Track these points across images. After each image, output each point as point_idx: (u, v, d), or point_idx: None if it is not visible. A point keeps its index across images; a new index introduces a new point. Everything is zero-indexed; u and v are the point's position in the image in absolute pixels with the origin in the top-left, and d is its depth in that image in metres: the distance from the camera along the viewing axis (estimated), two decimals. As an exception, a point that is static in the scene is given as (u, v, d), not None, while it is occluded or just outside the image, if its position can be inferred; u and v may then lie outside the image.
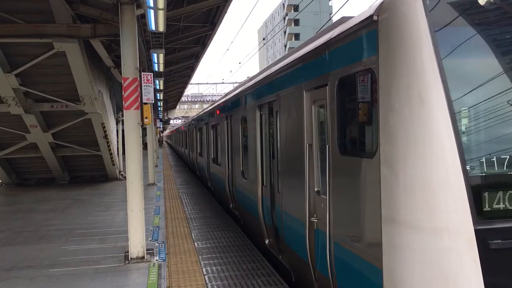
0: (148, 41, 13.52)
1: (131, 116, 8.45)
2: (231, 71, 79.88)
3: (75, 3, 11.35)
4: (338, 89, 4.78)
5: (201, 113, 21.90)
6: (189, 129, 27.57)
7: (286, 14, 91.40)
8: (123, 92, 8.37)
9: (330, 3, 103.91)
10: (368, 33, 4.12)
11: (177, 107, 76.20)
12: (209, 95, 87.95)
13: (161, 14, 8.90)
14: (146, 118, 9.46)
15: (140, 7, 8.75)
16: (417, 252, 3.58)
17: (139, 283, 7.15)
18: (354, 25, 4.36)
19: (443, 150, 3.51)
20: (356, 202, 4.37)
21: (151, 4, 8.30)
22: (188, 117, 70.58)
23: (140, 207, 8.49)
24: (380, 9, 3.95)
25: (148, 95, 9.42)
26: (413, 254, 3.61)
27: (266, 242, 8.44)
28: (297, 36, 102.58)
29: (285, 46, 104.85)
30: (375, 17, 3.95)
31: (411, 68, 3.65)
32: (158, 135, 46.52)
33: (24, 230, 11.33)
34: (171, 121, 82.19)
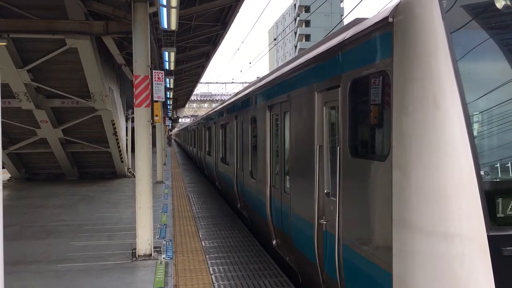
0: (160, 39, 13.55)
1: (141, 114, 8.47)
2: (241, 71, 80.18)
3: (88, 0, 11.40)
4: (350, 91, 4.74)
5: (210, 112, 21.92)
6: (198, 128, 27.62)
7: (298, 15, 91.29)
8: (134, 89, 8.39)
9: (341, 5, 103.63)
10: (382, 35, 4.08)
11: (186, 105, 76.34)
12: (218, 95, 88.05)
13: (173, 12, 8.91)
14: (157, 116, 9.48)
15: (153, 5, 8.77)
16: (428, 257, 3.54)
17: (146, 281, 7.16)
18: (369, 27, 4.32)
19: (457, 154, 3.46)
20: (367, 204, 4.33)
21: (164, 2, 8.31)
22: (197, 116, 70.72)
23: (148, 204, 8.51)
24: (395, 11, 3.91)
25: (159, 93, 9.43)
26: (424, 258, 3.57)
27: (274, 242, 8.42)
28: (307, 37, 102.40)
29: (296, 47, 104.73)
30: (390, 19, 3.91)
31: (426, 71, 3.61)
32: (167, 133, 46.65)
33: (33, 225, 11.40)
34: (180, 120, 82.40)
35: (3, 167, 21.15)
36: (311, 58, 6.04)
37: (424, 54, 3.64)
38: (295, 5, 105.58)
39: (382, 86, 4.19)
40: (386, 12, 4.11)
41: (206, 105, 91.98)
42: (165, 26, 9.80)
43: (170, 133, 74.50)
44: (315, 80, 5.87)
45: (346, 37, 4.90)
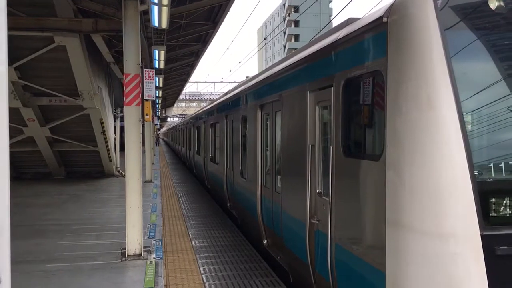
0: (150, 37, 13.47)
1: (131, 113, 8.40)
2: (230, 70, 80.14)
3: (77, -3, 11.29)
4: (343, 91, 4.75)
5: (200, 111, 21.84)
6: (187, 127, 27.52)
7: (288, 15, 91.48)
8: (124, 88, 8.32)
9: (330, 5, 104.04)
10: (377, 35, 4.09)
11: (175, 105, 75.99)
12: (207, 94, 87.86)
13: (165, 10, 8.85)
14: (147, 114, 9.41)
15: (144, 3, 8.70)
16: (422, 257, 3.55)
17: (136, 281, 7.10)
18: (363, 27, 4.33)
19: (451, 154, 3.48)
20: (360, 204, 4.34)
21: (155, 0, 8.26)
22: (185, 115, 70.42)
23: (138, 204, 8.45)
24: (390, 11, 3.92)
25: (150, 92, 9.38)
26: (417, 258, 3.58)
27: (264, 242, 8.40)
28: (296, 37, 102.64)
29: (285, 46, 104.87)
30: (384, 19, 3.92)
31: (420, 71, 3.62)
32: (155, 132, 46.35)
33: (20, 224, 11.24)
34: (169, 119, 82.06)
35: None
36: (303, 58, 6.03)
37: (419, 54, 3.65)
38: (284, 5, 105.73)
39: (376, 86, 4.19)
40: (380, 12, 4.12)
41: (194, 104, 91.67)
42: (156, 24, 9.74)
43: (157, 133, 73.94)
44: (307, 80, 5.86)
45: (340, 36, 4.90)
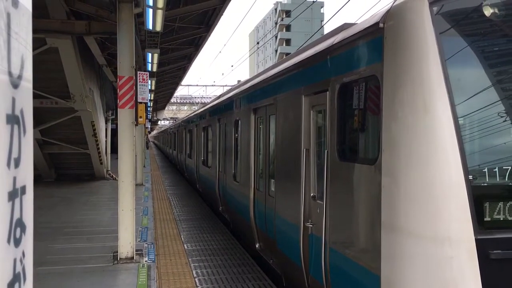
0: (143, 40, 13.44)
1: (125, 115, 8.38)
2: (223, 74, 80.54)
3: (70, -1, 11.24)
4: (339, 95, 4.78)
5: (192, 114, 21.81)
6: (178, 130, 27.45)
7: (282, 19, 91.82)
8: (118, 90, 8.30)
9: (322, 10, 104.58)
10: (373, 40, 4.13)
11: (166, 108, 75.67)
12: (198, 97, 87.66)
13: (159, 13, 8.85)
14: (141, 117, 9.39)
15: (138, 5, 8.69)
16: (417, 260, 3.58)
17: (129, 284, 7.06)
18: (359, 32, 4.36)
19: (446, 159, 3.52)
20: (355, 208, 4.36)
21: (151, 3, 8.25)
22: (176, 118, 70.15)
23: (131, 207, 8.41)
24: (386, 16, 3.96)
25: (144, 94, 9.36)
26: (412, 261, 3.61)
27: (257, 245, 8.41)
28: (288, 42, 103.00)
29: (276, 51, 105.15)
30: (381, 24, 3.96)
31: (416, 76, 3.66)
32: (145, 136, 46.07)
33: (10, 227, 11.13)
34: (160, 122, 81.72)
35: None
36: (298, 62, 6.06)
37: (415, 59, 3.69)
38: (276, 9, 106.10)
39: (371, 91, 4.23)
40: (376, 17, 4.16)
41: (185, 107, 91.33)
42: (150, 27, 9.73)
43: (148, 136, 73.28)
44: (302, 84, 5.89)
45: (335, 41, 4.94)
